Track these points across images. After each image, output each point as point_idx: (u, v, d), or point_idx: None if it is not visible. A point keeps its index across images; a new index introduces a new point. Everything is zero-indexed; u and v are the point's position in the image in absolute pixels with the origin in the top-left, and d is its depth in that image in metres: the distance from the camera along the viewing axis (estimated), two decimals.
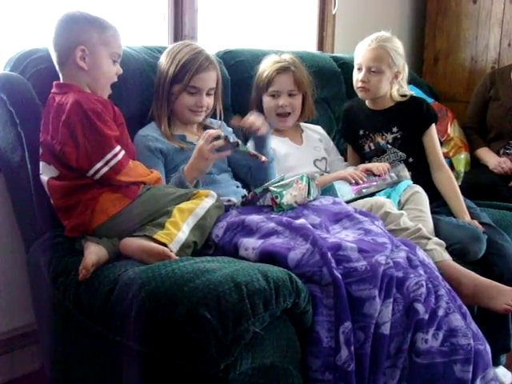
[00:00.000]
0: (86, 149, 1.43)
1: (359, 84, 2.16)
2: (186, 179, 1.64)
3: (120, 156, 1.45)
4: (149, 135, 1.77)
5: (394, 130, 2.17)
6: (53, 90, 1.53)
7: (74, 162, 1.45)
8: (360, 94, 2.20)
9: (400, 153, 2.16)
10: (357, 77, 2.18)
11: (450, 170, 2.16)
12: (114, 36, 1.56)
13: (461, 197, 2.08)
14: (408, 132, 2.16)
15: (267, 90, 2.08)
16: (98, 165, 1.43)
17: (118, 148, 1.46)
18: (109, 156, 1.44)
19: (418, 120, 2.16)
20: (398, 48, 2.14)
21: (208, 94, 1.83)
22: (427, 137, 2.16)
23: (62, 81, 1.55)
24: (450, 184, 2.11)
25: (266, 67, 2.10)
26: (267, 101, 2.09)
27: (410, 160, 2.15)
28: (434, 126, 2.17)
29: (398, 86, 2.19)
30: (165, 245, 1.39)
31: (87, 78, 1.54)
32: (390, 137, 2.17)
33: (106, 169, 1.44)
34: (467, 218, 1.99)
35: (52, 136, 1.47)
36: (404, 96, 2.20)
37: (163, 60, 1.82)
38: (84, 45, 1.50)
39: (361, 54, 2.16)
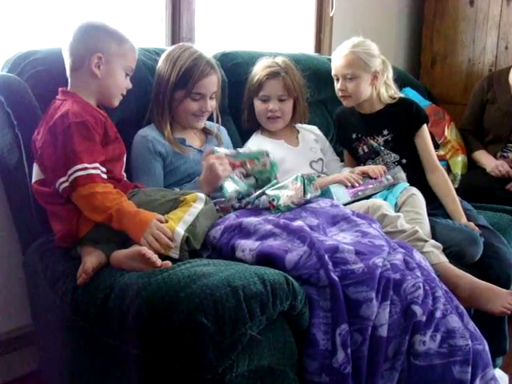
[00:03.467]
0: (58, 160, 1.42)
1: (339, 93, 2.17)
2: (203, 191, 1.65)
3: (82, 173, 1.41)
4: (149, 135, 1.77)
5: (385, 132, 2.17)
6: (57, 96, 1.54)
7: (48, 170, 1.46)
8: (344, 103, 2.20)
9: (393, 154, 2.16)
10: (336, 87, 2.18)
11: (444, 172, 2.16)
12: (130, 50, 1.59)
13: (457, 198, 2.08)
14: (399, 134, 2.16)
15: (258, 94, 2.09)
16: (62, 179, 1.42)
17: (83, 165, 1.41)
18: (70, 171, 1.41)
19: (408, 122, 2.15)
20: (370, 50, 2.13)
21: (211, 98, 1.84)
22: (419, 138, 2.16)
23: (69, 86, 1.56)
24: (445, 186, 2.11)
25: (257, 71, 2.10)
26: (258, 104, 2.10)
27: (404, 161, 2.15)
28: (425, 127, 2.17)
29: (384, 87, 2.18)
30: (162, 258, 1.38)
31: (97, 86, 1.55)
32: (381, 140, 2.18)
33: (65, 184, 1.42)
34: (463, 219, 2.00)
35: (37, 138, 1.48)
36: (393, 98, 2.20)
37: (162, 65, 1.82)
38: (102, 53, 1.52)
39: (334, 65, 2.16)
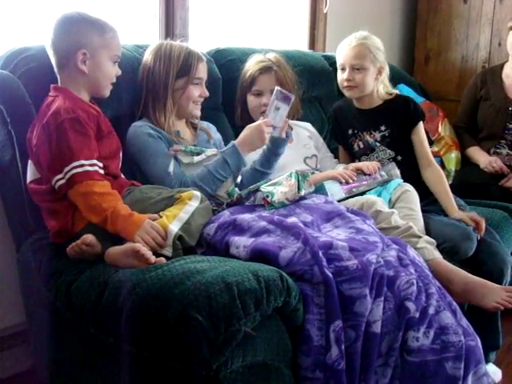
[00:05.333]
0: (54, 157, 1.42)
1: (345, 83, 2.17)
2: (242, 152, 1.77)
3: (78, 170, 1.41)
4: (144, 124, 1.78)
5: (382, 128, 2.19)
6: (50, 93, 1.53)
7: (44, 167, 1.45)
8: (347, 94, 2.20)
9: (389, 151, 2.18)
10: (341, 77, 2.19)
11: (439, 167, 2.17)
12: (113, 38, 1.57)
13: (450, 193, 2.08)
14: (396, 130, 2.17)
15: (251, 89, 2.10)
16: (58, 176, 1.43)
17: (79, 162, 1.42)
18: (67, 168, 1.41)
19: (406, 118, 2.17)
20: (378, 44, 2.17)
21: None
22: (415, 135, 2.17)
23: (59, 83, 1.55)
24: (439, 181, 2.11)
25: (249, 67, 2.12)
26: (251, 100, 2.11)
27: (399, 158, 2.17)
28: (421, 123, 2.18)
29: (383, 85, 2.21)
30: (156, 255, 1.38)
31: (87, 81, 1.54)
32: (378, 135, 2.19)
33: (62, 181, 1.43)
34: (457, 214, 1.99)
35: (31, 136, 1.48)
36: (390, 94, 2.22)
37: (155, 62, 1.81)
38: (85, 48, 1.50)
39: (342, 54, 2.18)
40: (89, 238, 1.38)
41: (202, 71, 1.86)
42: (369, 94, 2.19)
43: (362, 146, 2.22)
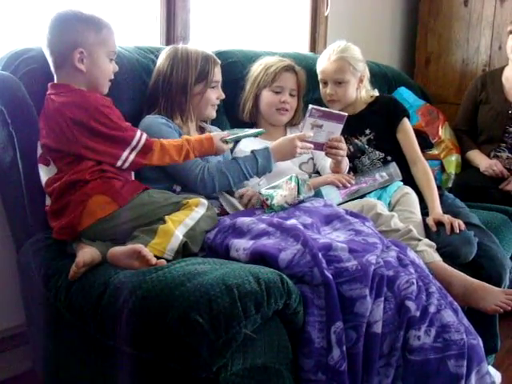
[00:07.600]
0: (109, 144, 1.47)
1: (327, 98, 2.19)
2: (273, 159, 1.76)
3: (145, 135, 1.52)
4: (160, 116, 1.78)
5: (367, 131, 2.20)
6: (49, 92, 1.53)
7: (97, 157, 1.47)
8: (331, 107, 2.21)
9: (378, 152, 2.19)
10: (323, 91, 2.22)
11: (425, 164, 2.16)
12: (109, 34, 1.56)
13: (435, 191, 2.08)
14: (380, 131, 2.19)
15: (271, 85, 2.10)
16: (124, 154, 1.48)
17: (139, 132, 1.51)
18: (134, 142, 1.49)
19: (388, 118, 2.20)
20: (356, 54, 2.19)
21: None
22: (400, 133, 2.19)
23: (56, 81, 1.55)
24: (425, 178, 2.11)
25: (271, 63, 2.13)
26: (268, 95, 2.11)
27: (389, 158, 2.17)
28: (405, 120, 2.20)
29: (365, 89, 2.24)
30: (157, 257, 1.38)
31: (85, 79, 1.54)
32: (364, 139, 2.21)
33: (133, 154, 1.49)
34: (438, 214, 1.97)
35: (59, 138, 1.47)
36: (372, 97, 2.26)
37: (172, 69, 1.81)
38: (81, 47, 1.50)
39: (323, 69, 2.20)
40: (81, 261, 1.37)
41: (218, 74, 1.88)
42: (352, 103, 2.22)
43: (352, 149, 2.22)
